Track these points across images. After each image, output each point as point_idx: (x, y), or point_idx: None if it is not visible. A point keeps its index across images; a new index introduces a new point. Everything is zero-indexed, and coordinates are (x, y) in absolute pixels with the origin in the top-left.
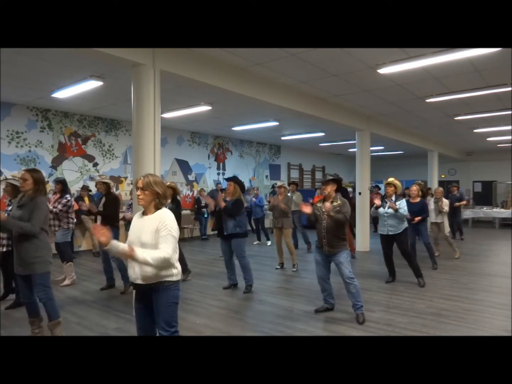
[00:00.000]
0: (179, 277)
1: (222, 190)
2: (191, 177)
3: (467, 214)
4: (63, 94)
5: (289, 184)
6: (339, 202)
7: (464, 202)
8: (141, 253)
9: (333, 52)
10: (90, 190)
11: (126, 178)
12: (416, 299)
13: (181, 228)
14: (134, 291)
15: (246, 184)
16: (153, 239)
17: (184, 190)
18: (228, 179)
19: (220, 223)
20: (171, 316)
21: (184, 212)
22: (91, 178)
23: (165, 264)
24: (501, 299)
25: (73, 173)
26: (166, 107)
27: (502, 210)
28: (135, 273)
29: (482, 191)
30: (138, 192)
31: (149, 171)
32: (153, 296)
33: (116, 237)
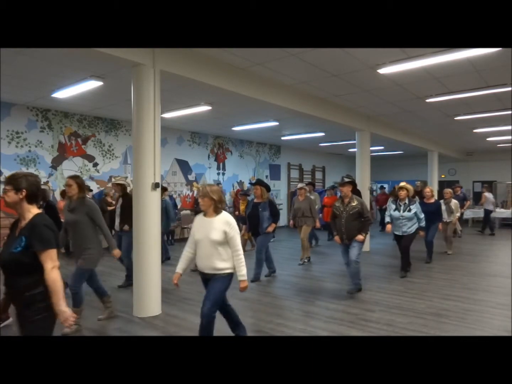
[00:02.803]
0: (233, 270)
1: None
2: (191, 177)
3: (467, 214)
4: (63, 94)
5: (306, 185)
6: (356, 202)
7: (469, 203)
8: (242, 274)
9: (333, 52)
10: (91, 190)
11: (126, 178)
12: (416, 299)
13: (181, 228)
14: (201, 277)
15: (246, 185)
16: (222, 237)
17: (184, 190)
18: (253, 184)
19: (254, 224)
20: (220, 299)
21: (184, 212)
22: (91, 178)
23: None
24: (501, 299)
25: (73, 173)
26: (166, 107)
27: (502, 210)
28: (205, 265)
29: (482, 191)
30: (200, 200)
31: (149, 171)
32: (211, 281)
33: (131, 239)
